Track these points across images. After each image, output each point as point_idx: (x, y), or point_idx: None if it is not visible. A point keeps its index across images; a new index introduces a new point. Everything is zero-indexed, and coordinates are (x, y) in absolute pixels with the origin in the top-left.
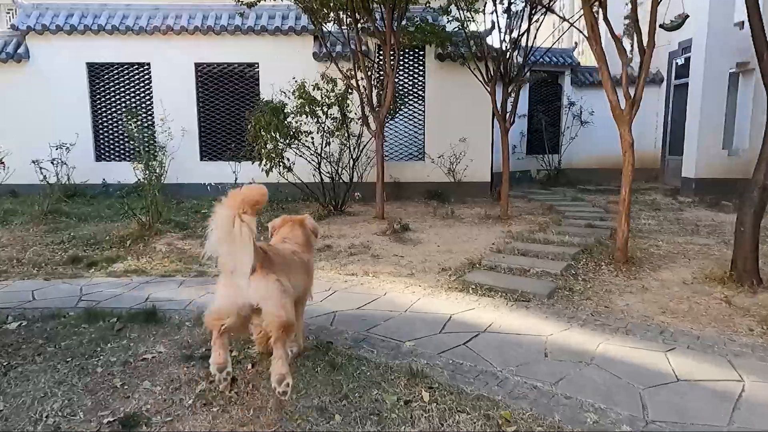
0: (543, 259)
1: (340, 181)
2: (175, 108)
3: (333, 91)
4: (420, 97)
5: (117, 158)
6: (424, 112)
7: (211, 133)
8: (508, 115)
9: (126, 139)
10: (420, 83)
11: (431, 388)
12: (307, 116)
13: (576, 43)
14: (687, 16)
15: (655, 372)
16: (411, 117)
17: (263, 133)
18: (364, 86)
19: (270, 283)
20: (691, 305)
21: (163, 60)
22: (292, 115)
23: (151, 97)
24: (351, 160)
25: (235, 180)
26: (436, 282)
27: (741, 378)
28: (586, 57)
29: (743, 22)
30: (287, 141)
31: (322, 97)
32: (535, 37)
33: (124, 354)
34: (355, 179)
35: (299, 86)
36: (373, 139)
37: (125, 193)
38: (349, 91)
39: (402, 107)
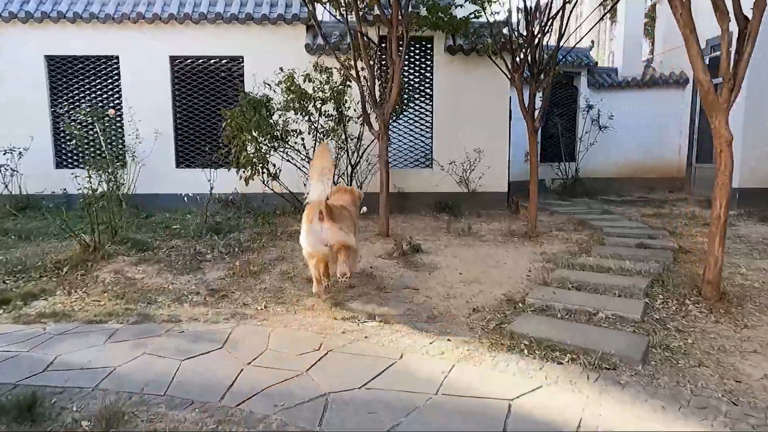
0: (608, 294)
1: None
2: (148, 108)
3: (328, 83)
4: (427, 96)
5: (82, 165)
6: (431, 112)
7: (189, 136)
8: (536, 112)
9: (93, 143)
10: (427, 80)
11: None
12: (296, 113)
13: (593, 41)
14: None
15: None
16: (417, 118)
17: (242, 132)
18: (365, 77)
19: (333, 227)
20: None
21: (134, 53)
22: (279, 112)
23: (120, 96)
24: (349, 166)
25: (211, 190)
26: (470, 333)
27: None
28: (603, 55)
29: None
30: (272, 142)
31: (314, 91)
32: (568, 20)
33: None
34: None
35: (287, 77)
36: (375, 141)
37: (84, 205)
38: (348, 83)
39: (409, 104)
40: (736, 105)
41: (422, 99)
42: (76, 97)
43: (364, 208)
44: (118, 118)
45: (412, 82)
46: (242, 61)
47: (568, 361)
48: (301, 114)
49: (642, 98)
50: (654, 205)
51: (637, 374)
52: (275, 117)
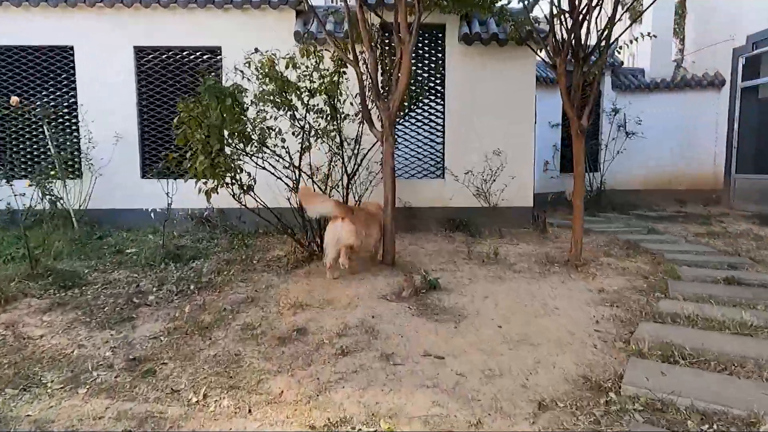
0: (758, 380)
1: None
2: (109, 107)
3: (317, 69)
4: (438, 95)
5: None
6: (443, 113)
7: (158, 141)
8: (585, 109)
9: (44, 149)
10: (438, 76)
11: None
12: (277, 108)
13: (616, 39)
14: None
15: None
16: (426, 120)
17: (200, 130)
18: (366, 61)
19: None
20: None
21: (92, 42)
22: (255, 106)
23: (75, 93)
24: (345, 175)
25: (169, 204)
26: None
27: None
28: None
29: None
30: (245, 145)
31: (300, 79)
32: None
33: None
34: (351, 203)
35: (267, 61)
36: (377, 143)
37: (32, 223)
38: (343, 71)
39: (420, 99)
40: None
41: (432, 98)
42: (25, 96)
43: None
44: (75, 120)
45: (421, 79)
46: (220, 53)
47: None
48: (283, 109)
49: (672, 101)
50: (698, 221)
51: None
52: (250, 113)
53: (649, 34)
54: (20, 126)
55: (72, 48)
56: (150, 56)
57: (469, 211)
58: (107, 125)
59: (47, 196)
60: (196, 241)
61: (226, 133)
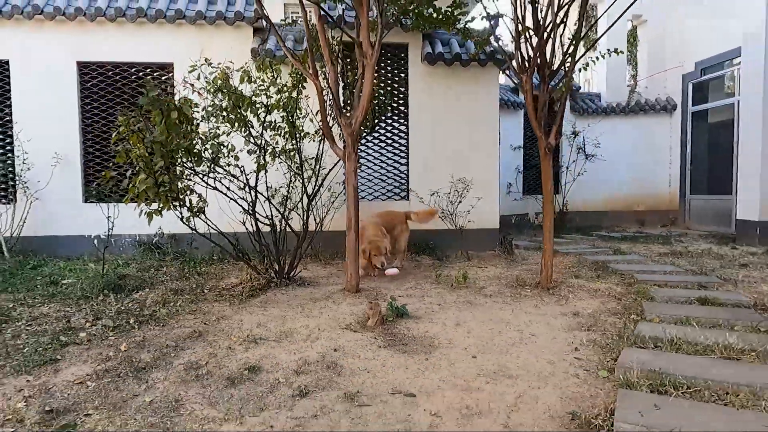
0: (754, 408)
1: (287, 229)
2: (47, 126)
3: (274, 83)
4: (402, 115)
5: None
6: (407, 134)
7: (103, 163)
8: (552, 127)
9: None
10: (401, 95)
11: None
12: (231, 125)
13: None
14: None
15: None
16: (389, 140)
17: (140, 145)
18: (326, 75)
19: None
20: None
21: (29, 57)
22: (205, 121)
23: (10, 110)
24: (305, 196)
25: (110, 230)
26: None
27: None
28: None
29: None
30: (196, 164)
31: (255, 94)
32: (586, 4)
33: None
34: (312, 227)
35: (220, 73)
36: (340, 162)
37: None
38: (302, 87)
39: (382, 117)
40: (753, 135)
41: (396, 117)
42: None
43: None
44: (9, 139)
45: (384, 97)
46: (172, 70)
47: None
48: (237, 126)
49: (628, 125)
50: (659, 241)
51: None
52: (202, 129)
53: (608, 50)
54: None
55: (7, 62)
56: (95, 72)
57: (435, 234)
58: (46, 145)
59: None
60: (142, 270)
61: (173, 150)
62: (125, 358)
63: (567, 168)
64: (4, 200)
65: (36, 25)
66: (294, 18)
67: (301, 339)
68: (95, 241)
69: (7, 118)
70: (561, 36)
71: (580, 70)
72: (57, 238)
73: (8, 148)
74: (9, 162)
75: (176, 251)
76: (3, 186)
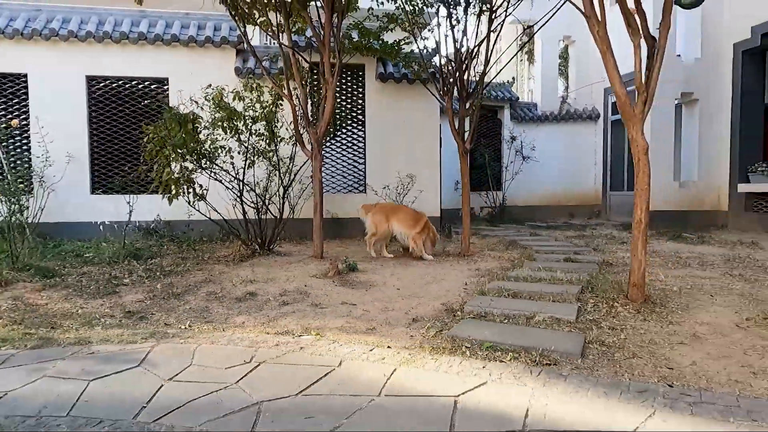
0: (543, 301)
1: (268, 214)
2: (60, 130)
3: (259, 101)
4: (360, 122)
5: None
6: (364, 138)
7: (108, 161)
8: (466, 134)
9: None
10: (359, 106)
11: None
12: (225, 132)
13: (513, 78)
14: None
15: None
16: (350, 144)
17: (165, 149)
18: (298, 96)
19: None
20: None
21: (45, 71)
22: (207, 130)
23: (28, 116)
24: (281, 188)
25: (129, 217)
26: (411, 339)
27: None
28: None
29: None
30: (199, 161)
31: (245, 109)
32: (492, 48)
33: None
34: (286, 213)
35: (217, 93)
36: (308, 162)
37: None
38: (279, 102)
39: (343, 126)
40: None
41: (355, 125)
42: None
43: None
44: (27, 142)
45: (344, 109)
46: (167, 84)
47: (510, 359)
48: (230, 133)
49: (559, 131)
50: (576, 229)
51: (577, 367)
52: (202, 135)
53: (513, 78)
54: None
55: (26, 76)
56: (102, 85)
57: None
58: (59, 146)
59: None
60: (147, 247)
61: (183, 150)
62: (164, 289)
63: (506, 168)
64: (27, 194)
65: (52, 44)
66: (271, 44)
67: (281, 281)
68: (101, 226)
69: (25, 123)
70: (476, 64)
71: (511, 84)
72: (69, 224)
73: (24, 148)
74: (27, 160)
75: (171, 235)
76: (25, 179)
